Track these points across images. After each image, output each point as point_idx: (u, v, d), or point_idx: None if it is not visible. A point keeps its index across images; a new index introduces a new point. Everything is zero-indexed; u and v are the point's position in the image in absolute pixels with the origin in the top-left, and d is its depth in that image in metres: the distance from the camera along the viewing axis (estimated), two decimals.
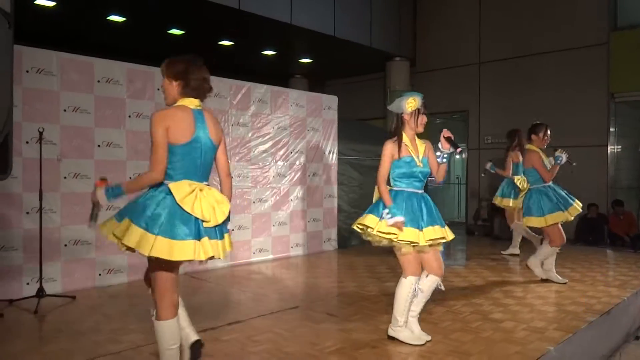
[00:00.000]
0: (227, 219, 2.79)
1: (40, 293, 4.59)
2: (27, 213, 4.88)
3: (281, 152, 7.21)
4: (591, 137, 9.33)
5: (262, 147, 6.97)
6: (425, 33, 11.85)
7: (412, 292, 3.67)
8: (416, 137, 3.75)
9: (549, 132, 5.58)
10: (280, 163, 7.20)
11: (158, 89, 5.88)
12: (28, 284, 4.85)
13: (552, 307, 4.66)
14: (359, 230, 3.73)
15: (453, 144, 3.65)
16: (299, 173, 7.47)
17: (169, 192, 2.62)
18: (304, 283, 5.87)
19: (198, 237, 2.60)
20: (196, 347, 2.88)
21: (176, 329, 2.77)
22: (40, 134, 4.62)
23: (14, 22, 2.11)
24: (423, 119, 3.68)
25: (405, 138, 3.67)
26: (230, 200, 2.84)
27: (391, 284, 5.59)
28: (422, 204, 3.64)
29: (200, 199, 2.63)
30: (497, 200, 7.37)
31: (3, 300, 4.56)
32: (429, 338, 3.72)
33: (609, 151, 9.37)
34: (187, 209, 2.58)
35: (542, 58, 9.99)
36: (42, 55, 5.08)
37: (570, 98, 9.57)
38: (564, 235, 5.49)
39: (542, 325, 4.09)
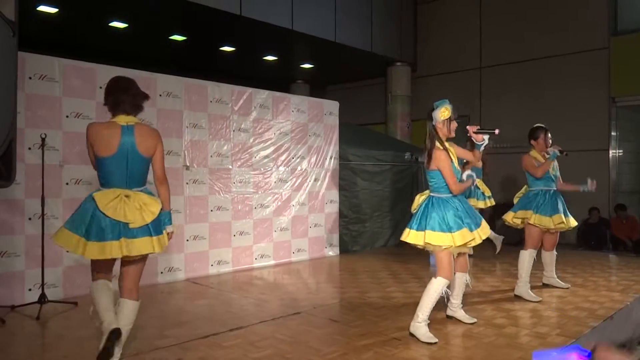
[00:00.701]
0: (166, 219, 3.29)
1: (42, 299, 4.59)
2: (29, 219, 4.89)
3: (283, 158, 7.22)
4: (592, 142, 9.33)
5: (263, 153, 6.97)
6: (426, 38, 11.88)
7: (442, 293, 3.88)
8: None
9: (549, 135, 5.48)
10: (281, 168, 7.21)
11: (160, 95, 5.91)
12: (30, 290, 4.86)
13: (554, 312, 4.65)
14: (423, 245, 3.84)
15: (484, 132, 3.90)
16: (301, 178, 7.47)
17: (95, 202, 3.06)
18: (306, 288, 5.86)
19: (118, 237, 3.04)
20: (114, 334, 3.08)
21: (106, 287, 3.23)
22: (43, 140, 4.63)
23: (18, 29, 2.12)
24: (454, 125, 3.92)
25: (446, 145, 3.91)
26: (167, 204, 3.32)
27: (393, 289, 5.59)
28: (467, 205, 3.96)
29: (124, 203, 3.06)
30: None
31: (5, 307, 4.56)
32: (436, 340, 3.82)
33: (610, 155, 9.37)
34: (110, 214, 3.01)
35: (543, 63, 10.00)
36: (45, 61, 5.10)
37: (571, 102, 9.58)
38: (537, 242, 5.28)
39: (545, 330, 4.08)
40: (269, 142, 7.06)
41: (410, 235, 3.88)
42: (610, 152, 9.36)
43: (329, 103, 8.10)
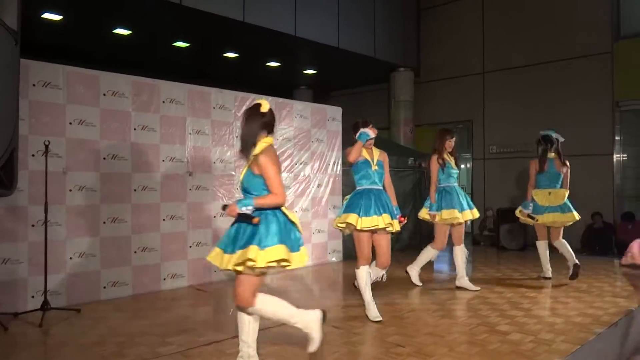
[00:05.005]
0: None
1: (45, 306, 4.58)
2: (33, 226, 4.89)
3: (285, 164, 7.21)
4: (596, 146, 9.30)
5: None
6: (429, 43, 11.88)
7: None
8: None
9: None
10: (284, 174, 7.20)
11: (163, 102, 5.92)
12: (33, 297, 4.86)
13: (559, 318, 4.62)
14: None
15: None
16: (304, 184, 7.46)
17: None
18: (309, 295, 5.84)
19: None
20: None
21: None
22: (46, 147, 4.63)
23: (21, 37, 2.13)
24: None
25: None
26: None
27: (395, 295, 5.56)
28: None
29: None
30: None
31: (8, 314, 4.55)
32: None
33: (614, 160, 9.33)
34: None
35: (547, 67, 9.98)
36: (49, 68, 5.12)
37: (574, 107, 9.55)
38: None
39: (550, 337, 4.05)
40: None
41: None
42: (614, 156, 9.32)
43: (331, 109, 8.10)
